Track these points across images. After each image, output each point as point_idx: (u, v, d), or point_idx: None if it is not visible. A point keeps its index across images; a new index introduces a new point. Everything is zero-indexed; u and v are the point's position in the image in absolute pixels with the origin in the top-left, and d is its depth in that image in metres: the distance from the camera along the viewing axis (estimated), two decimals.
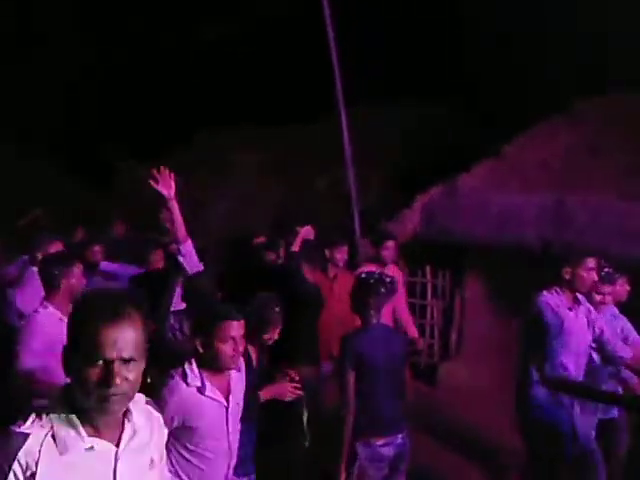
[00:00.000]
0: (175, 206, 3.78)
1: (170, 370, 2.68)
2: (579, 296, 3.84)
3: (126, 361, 1.47)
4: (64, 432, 1.48)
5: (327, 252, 5.06)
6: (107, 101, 8.85)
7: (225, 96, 8.43)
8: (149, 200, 5.11)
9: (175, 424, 2.56)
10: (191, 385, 2.62)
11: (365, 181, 6.89)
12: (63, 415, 1.49)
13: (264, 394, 3.24)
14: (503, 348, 5.92)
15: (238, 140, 8.51)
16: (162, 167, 3.75)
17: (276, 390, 3.31)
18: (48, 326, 3.33)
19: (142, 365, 1.53)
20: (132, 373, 1.48)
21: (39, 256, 4.11)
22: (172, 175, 3.75)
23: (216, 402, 2.68)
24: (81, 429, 1.49)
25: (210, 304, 2.87)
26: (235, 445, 2.79)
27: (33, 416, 1.49)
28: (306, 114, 7.93)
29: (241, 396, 2.84)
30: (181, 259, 3.98)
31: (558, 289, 3.78)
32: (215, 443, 2.69)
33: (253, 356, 3.35)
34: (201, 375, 2.64)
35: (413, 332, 5.48)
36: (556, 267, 3.82)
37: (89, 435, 1.49)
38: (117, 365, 1.45)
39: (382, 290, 3.59)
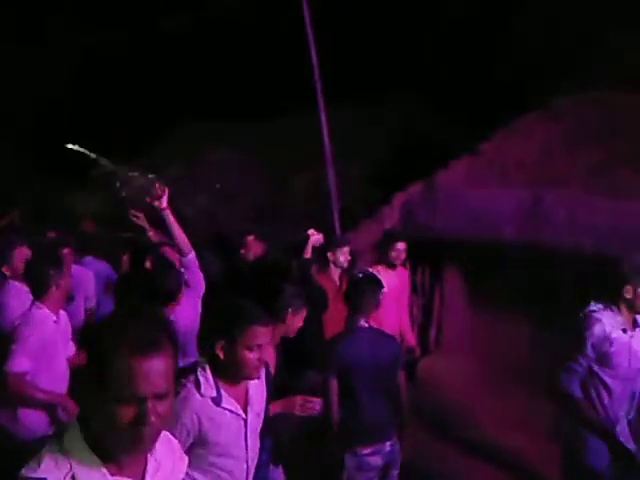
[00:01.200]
0: (170, 216, 3.77)
1: (181, 379, 2.36)
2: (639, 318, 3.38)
3: (161, 396, 1.30)
4: (86, 474, 1.31)
5: (330, 254, 4.98)
6: (78, 98, 8.74)
7: (203, 91, 8.37)
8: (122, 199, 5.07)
9: (190, 440, 2.28)
10: (205, 395, 2.31)
11: (344, 178, 6.89)
12: (82, 453, 1.31)
13: (272, 408, 2.86)
14: (482, 343, 5.99)
15: (216, 136, 8.46)
16: (155, 184, 3.78)
17: (285, 404, 2.98)
18: (44, 327, 3.33)
19: (173, 396, 1.37)
20: (165, 407, 1.31)
21: (7, 272, 4.03)
22: (164, 188, 3.76)
23: (234, 414, 2.38)
24: (104, 469, 1.33)
25: (237, 303, 2.50)
26: (253, 465, 2.49)
27: (47, 457, 1.31)
28: (286, 111, 7.90)
29: (261, 407, 2.54)
30: (186, 273, 3.89)
31: (613, 307, 3.33)
32: (232, 462, 2.39)
33: (271, 360, 3.01)
34: (216, 384, 2.34)
35: (411, 340, 5.35)
36: (615, 283, 3.41)
37: (112, 474, 1.34)
38: (152, 402, 1.28)
39: (371, 291, 3.47)
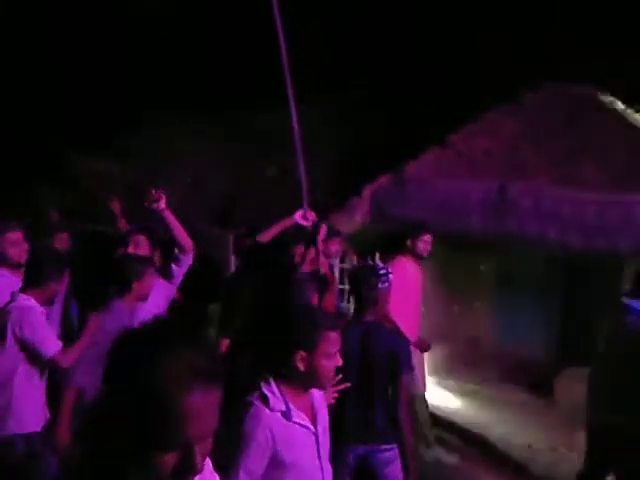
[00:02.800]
0: (170, 216, 3.86)
1: (243, 397, 2.18)
2: None
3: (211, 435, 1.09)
4: None
5: (320, 244, 4.77)
6: (45, 87, 8.58)
7: (171, 80, 8.28)
8: (90, 190, 5.03)
9: (266, 461, 2.09)
10: (275, 410, 2.13)
11: (314, 169, 6.90)
12: None
13: None
14: (450, 329, 6.08)
15: (185, 127, 8.39)
16: (149, 189, 3.86)
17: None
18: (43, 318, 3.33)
19: None
20: (210, 445, 1.10)
21: None
22: (161, 191, 3.84)
23: (304, 429, 2.20)
24: None
25: (305, 311, 2.38)
26: None
27: None
28: (254, 101, 7.87)
29: (326, 420, 2.34)
30: (175, 268, 4.01)
31: None
32: None
33: None
34: (284, 397, 2.16)
35: (412, 334, 4.99)
36: None
37: None
38: (202, 445, 1.06)
39: (373, 282, 3.29)
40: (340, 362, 2.24)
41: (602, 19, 7.26)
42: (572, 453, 4.85)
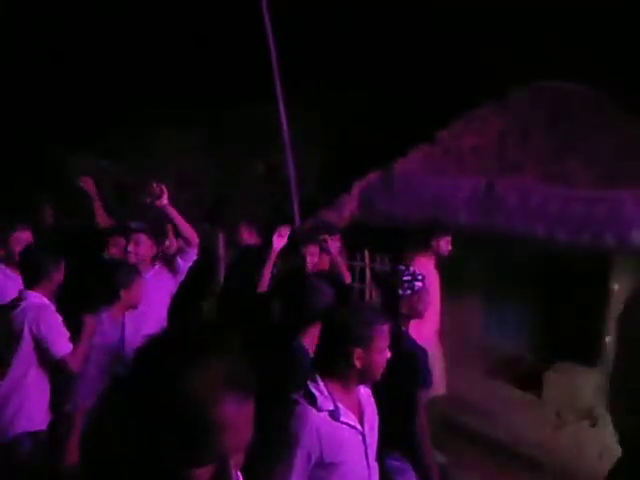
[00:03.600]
0: (173, 211, 3.88)
1: (288, 394, 2.12)
2: None
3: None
4: None
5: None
6: (31, 85, 8.50)
7: (157, 76, 8.23)
8: (77, 187, 4.97)
9: (312, 464, 2.00)
10: (322, 409, 2.04)
11: (303, 166, 6.91)
12: None
13: None
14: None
15: (172, 124, 8.36)
16: (151, 184, 3.85)
17: None
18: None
19: None
20: (243, 456, 1.06)
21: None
22: (162, 187, 3.83)
23: (352, 429, 2.12)
24: None
25: (355, 307, 2.37)
26: None
27: None
28: (243, 97, 7.85)
29: (375, 419, 2.28)
30: (181, 262, 4.02)
31: None
32: None
33: None
34: (332, 395, 2.08)
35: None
36: None
37: None
38: (236, 457, 1.02)
39: (402, 289, 3.20)
40: (389, 354, 2.23)
41: (589, 17, 7.30)
42: (559, 448, 4.90)
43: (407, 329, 3.30)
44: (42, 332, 3.18)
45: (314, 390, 2.07)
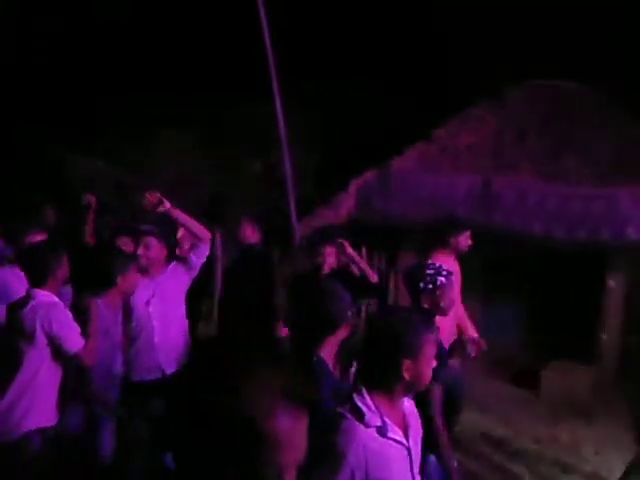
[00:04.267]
0: (177, 212, 3.87)
1: (335, 408, 2.01)
2: None
3: None
4: None
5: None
6: (30, 86, 8.48)
7: (155, 75, 8.22)
8: (77, 185, 4.96)
9: None
10: (370, 425, 1.94)
11: (300, 165, 6.91)
12: None
13: None
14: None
15: (169, 121, 8.35)
16: (149, 193, 3.81)
17: None
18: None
19: None
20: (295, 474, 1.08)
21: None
22: (154, 194, 3.82)
23: (399, 444, 2.02)
24: None
25: (399, 316, 2.17)
26: None
27: None
28: (239, 96, 7.85)
29: (419, 431, 2.17)
30: (194, 258, 4.00)
31: None
32: None
33: None
34: (379, 410, 1.97)
35: (472, 332, 4.70)
36: None
37: None
38: (289, 475, 1.04)
39: (424, 282, 3.14)
40: (435, 363, 2.10)
41: (585, 17, 7.33)
42: (556, 445, 4.92)
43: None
44: (54, 329, 3.20)
45: (361, 405, 1.96)
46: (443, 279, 3.24)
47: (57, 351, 3.25)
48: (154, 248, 3.99)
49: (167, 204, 3.80)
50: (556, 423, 5.25)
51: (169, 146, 8.50)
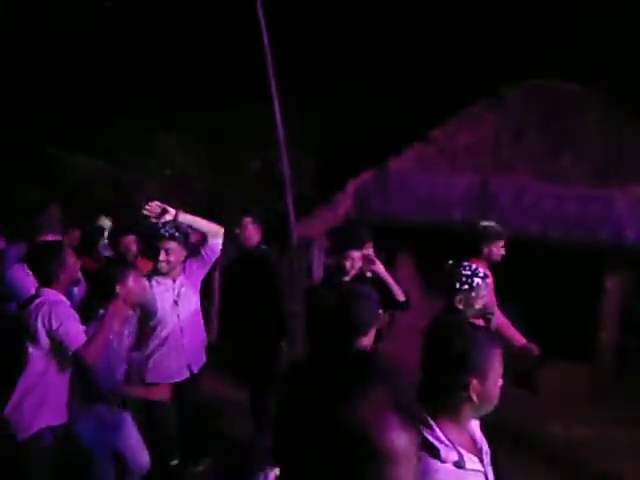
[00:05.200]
0: (184, 216, 3.78)
1: None
2: None
3: None
4: None
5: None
6: (27, 84, 8.49)
7: (153, 76, 8.23)
8: (74, 185, 4.96)
9: None
10: (447, 461, 1.76)
11: (298, 165, 6.91)
12: None
13: None
14: None
15: (167, 122, 8.36)
16: (150, 204, 3.71)
17: None
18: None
19: None
20: None
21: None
22: (154, 205, 3.72)
23: (477, 473, 1.86)
24: None
25: (474, 332, 1.97)
26: None
27: None
28: (238, 97, 7.85)
29: (489, 451, 2.00)
30: (208, 253, 3.94)
31: None
32: None
33: None
34: (452, 442, 1.79)
35: (520, 339, 4.45)
36: None
37: None
38: None
39: (460, 283, 3.08)
40: (502, 381, 1.92)
41: (582, 17, 7.34)
42: (553, 443, 4.92)
43: None
44: (53, 326, 3.20)
45: (433, 440, 1.77)
46: (479, 280, 3.20)
47: (58, 348, 3.24)
48: (175, 252, 3.86)
49: (172, 211, 3.71)
50: (554, 423, 5.25)
51: (168, 146, 8.51)
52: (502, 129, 6.63)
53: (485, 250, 4.47)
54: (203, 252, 3.97)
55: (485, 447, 1.95)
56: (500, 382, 1.90)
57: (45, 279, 3.35)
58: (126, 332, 3.65)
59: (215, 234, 3.92)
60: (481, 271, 3.28)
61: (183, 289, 3.94)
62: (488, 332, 2.00)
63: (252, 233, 4.75)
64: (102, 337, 3.24)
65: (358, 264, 4.08)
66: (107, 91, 8.27)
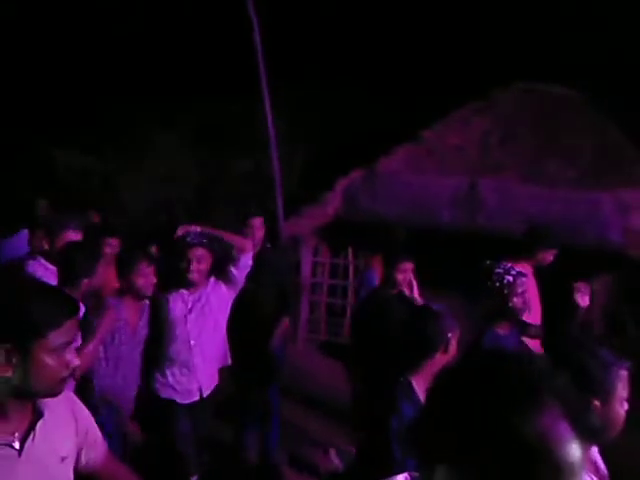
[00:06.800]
0: (212, 231, 3.69)
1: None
2: None
3: None
4: None
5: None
6: (18, 81, 8.42)
7: (141, 73, 8.19)
8: (64, 182, 4.93)
9: None
10: None
11: (287, 163, 6.92)
12: None
13: None
14: None
15: (156, 119, 8.32)
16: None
17: None
18: None
19: None
20: None
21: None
22: (181, 230, 3.68)
23: None
24: None
25: (595, 346, 1.85)
26: None
27: None
28: (227, 94, 7.84)
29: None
30: (235, 272, 3.69)
31: None
32: None
33: None
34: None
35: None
36: None
37: None
38: None
39: (491, 281, 3.01)
40: (627, 407, 1.80)
41: (570, 20, 7.39)
42: None
43: (493, 327, 3.07)
44: None
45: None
46: (510, 278, 3.13)
47: None
48: (205, 260, 3.58)
49: (197, 229, 3.64)
50: None
51: (157, 145, 8.49)
52: (491, 131, 6.67)
53: (540, 254, 4.36)
54: (231, 270, 3.71)
55: (603, 475, 1.85)
56: (626, 406, 1.78)
57: (68, 279, 3.22)
58: (137, 339, 3.47)
59: (244, 249, 3.73)
60: (515, 270, 3.20)
61: (199, 304, 3.62)
62: (613, 352, 1.84)
63: (261, 235, 4.48)
64: (95, 341, 3.15)
65: (409, 277, 3.91)
66: (95, 89, 8.23)
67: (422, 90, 7.63)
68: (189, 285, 3.59)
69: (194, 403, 3.62)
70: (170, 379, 3.58)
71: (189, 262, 3.53)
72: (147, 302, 3.53)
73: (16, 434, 1.58)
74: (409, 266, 3.94)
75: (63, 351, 1.55)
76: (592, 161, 6.05)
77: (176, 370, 3.58)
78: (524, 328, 3.52)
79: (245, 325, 4.12)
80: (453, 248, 5.75)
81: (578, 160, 6.10)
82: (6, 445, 1.56)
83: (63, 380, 1.59)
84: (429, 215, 5.81)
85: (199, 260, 3.56)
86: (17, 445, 1.57)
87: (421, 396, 2.33)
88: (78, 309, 1.63)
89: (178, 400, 3.60)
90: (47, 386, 1.56)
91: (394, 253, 3.99)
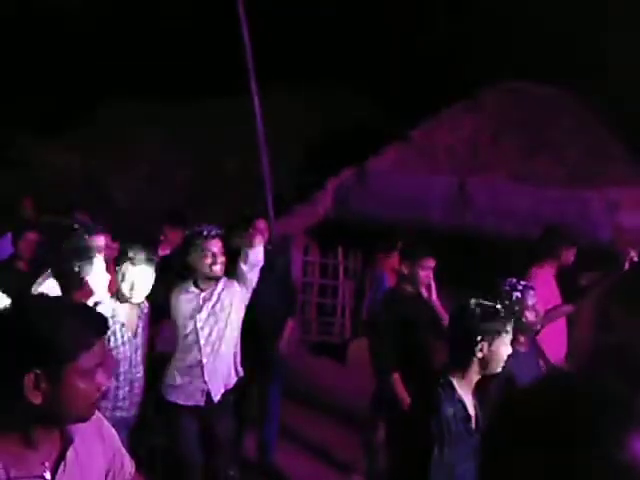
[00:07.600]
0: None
1: None
2: None
3: None
4: None
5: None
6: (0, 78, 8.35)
7: (132, 71, 8.14)
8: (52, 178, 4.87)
9: None
10: None
11: (278, 162, 6.90)
12: None
13: None
14: None
15: (143, 118, 8.27)
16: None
17: None
18: None
19: None
20: None
21: None
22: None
23: None
24: None
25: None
26: None
27: None
28: (217, 93, 7.81)
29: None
30: (245, 268, 3.45)
31: None
32: None
33: None
34: None
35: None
36: None
37: None
38: None
39: (500, 300, 2.89)
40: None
41: (558, 20, 7.42)
42: None
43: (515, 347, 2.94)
44: None
45: None
46: (519, 294, 3.10)
47: None
48: (223, 252, 3.41)
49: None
50: None
51: (142, 144, 8.44)
52: (480, 131, 6.69)
53: (563, 253, 4.25)
54: (243, 267, 3.48)
55: None
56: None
57: (67, 284, 3.17)
58: (139, 340, 3.37)
59: (250, 243, 3.52)
60: (521, 284, 3.17)
61: (209, 303, 3.45)
62: None
63: (267, 237, 4.33)
64: None
65: (430, 276, 3.77)
66: (81, 88, 8.17)
67: (411, 90, 7.63)
68: (210, 279, 3.42)
69: (204, 406, 3.45)
70: (178, 381, 3.44)
71: (214, 256, 3.36)
72: (146, 304, 3.43)
73: (46, 464, 1.47)
74: (431, 263, 3.78)
75: (94, 373, 1.46)
76: (581, 160, 6.08)
77: (184, 372, 3.44)
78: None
79: (250, 326, 4.11)
80: (443, 247, 5.75)
81: (568, 159, 6.12)
82: (38, 478, 1.46)
83: (94, 403, 1.50)
84: (419, 215, 5.80)
85: (221, 253, 3.41)
86: (48, 476, 1.47)
87: (463, 396, 2.35)
88: (107, 326, 1.54)
89: (183, 403, 3.45)
90: (79, 411, 1.47)
91: (415, 249, 3.82)
